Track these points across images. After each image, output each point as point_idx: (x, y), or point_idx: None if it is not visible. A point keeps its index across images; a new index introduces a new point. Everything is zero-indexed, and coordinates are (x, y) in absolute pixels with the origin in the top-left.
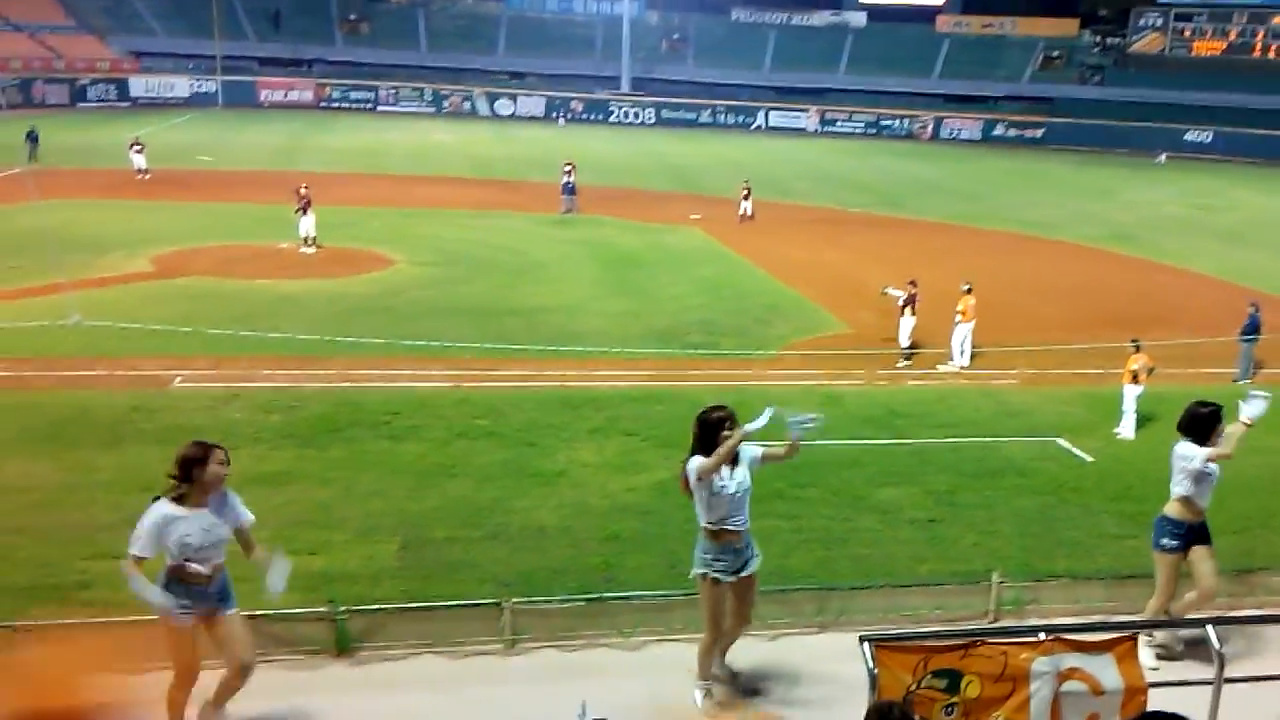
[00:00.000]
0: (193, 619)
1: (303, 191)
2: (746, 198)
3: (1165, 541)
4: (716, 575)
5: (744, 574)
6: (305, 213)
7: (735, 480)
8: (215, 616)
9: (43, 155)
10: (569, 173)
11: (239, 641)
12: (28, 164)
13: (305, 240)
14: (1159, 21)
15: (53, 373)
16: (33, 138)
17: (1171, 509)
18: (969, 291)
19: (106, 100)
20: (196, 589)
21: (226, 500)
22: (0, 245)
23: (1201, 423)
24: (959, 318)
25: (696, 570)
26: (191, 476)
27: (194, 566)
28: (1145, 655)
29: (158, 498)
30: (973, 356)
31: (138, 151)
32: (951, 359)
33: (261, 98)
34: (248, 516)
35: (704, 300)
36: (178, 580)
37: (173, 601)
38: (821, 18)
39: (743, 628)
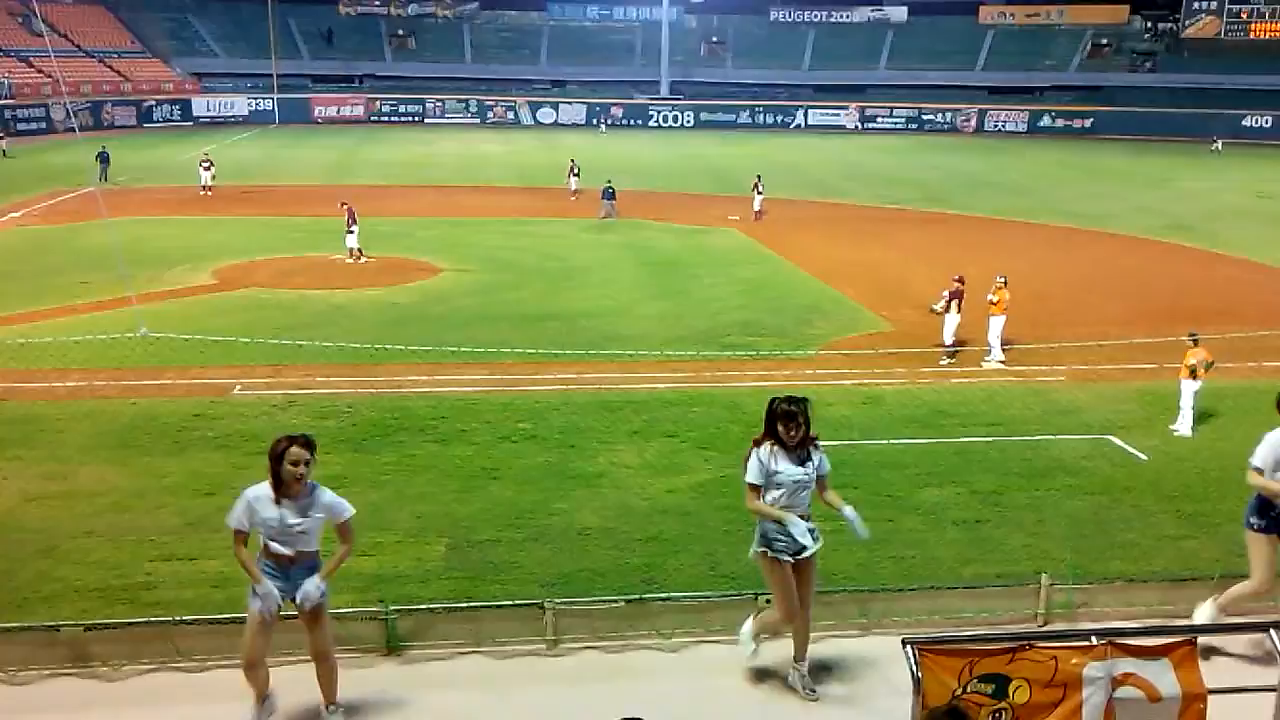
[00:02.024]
0: (260, 607)
1: (343, 207)
2: (758, 191)
3: (1252, 519)
4: (775, 554)
5: (802, 556)
6: (350, 229)
7: (802, 476)
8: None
9: (113, 175)
10: (575, 173)
11: (316, 632)
12: (99, 183)
13: (350, 253)
14: (1214, 5)
15: (122, 382)
16: (103, 158)
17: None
18: (1004, 285)
19: (171, 120)
20: (280, 571)
21: (314, 496)
22: (73, 261)
23: None
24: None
25: (753, 549)
26: (274, 469)
27: (277, 548)
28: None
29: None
30: (1003, 350)
31: (206, 168)
32: (990, 353)
33: (316, 114)
34: (342, 512)
35: (744, 301)
36: (266, 557)
37: (270, 601)
38: (861, 14)
39: (804, 616)
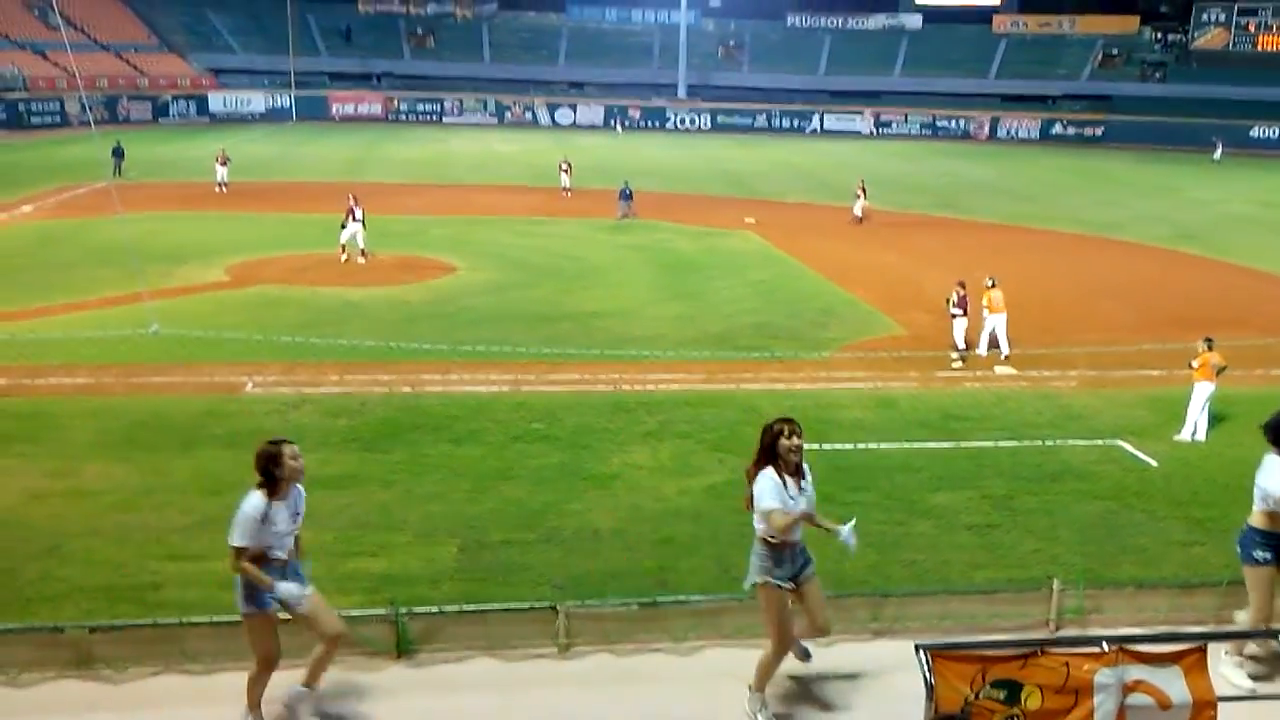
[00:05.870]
0: (274, 606)
1: (350, 200)
2: (861, 197)
3: (1256, 554)
4: (777, 582)
5: (802, 577)
6: (346, 224)
7: (804, 497)
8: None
9: (127, 170)
10: (566, 170)
11: (325, 616)
12: (113, 178)
13: (342, 248)
14: (1222, 16)
15: (132, 379)
16: (118, 153)
17: (1256, 519)
18: (993, 286)
19: (187, 116)
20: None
21: (297, 492)
22: (85, 256)
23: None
24: (985, 312)
25: (754, 579)
26: (272, 474)
27: (276, 553)
28: (1236, 675)
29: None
30: (1010, 350)
31: (223, 164)
32: (981, 352)
33: (333, 111)
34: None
35: (758, 304)
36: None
37: (298, 589)
38: (876, 21)
39: (822, 634)
